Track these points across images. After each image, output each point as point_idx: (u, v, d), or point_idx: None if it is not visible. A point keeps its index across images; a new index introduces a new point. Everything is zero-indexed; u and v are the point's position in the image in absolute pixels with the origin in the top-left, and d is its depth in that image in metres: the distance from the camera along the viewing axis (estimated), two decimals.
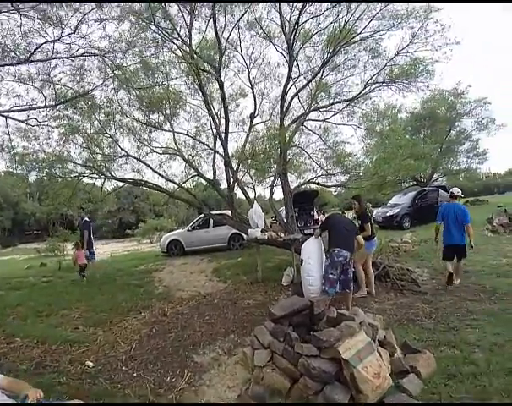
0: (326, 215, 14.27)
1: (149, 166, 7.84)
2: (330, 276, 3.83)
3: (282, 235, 6.31)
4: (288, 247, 6.16)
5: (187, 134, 8.45)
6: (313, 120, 8.85)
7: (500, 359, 2.52)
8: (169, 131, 8.29)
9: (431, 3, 6.43)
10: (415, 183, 20.10)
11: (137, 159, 7.85)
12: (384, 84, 7.93)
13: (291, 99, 8.07)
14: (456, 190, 5.27)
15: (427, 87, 7.44)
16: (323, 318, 2.95)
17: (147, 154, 8.30)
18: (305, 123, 8.90)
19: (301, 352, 2.50)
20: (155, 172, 7.84)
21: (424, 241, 8.30)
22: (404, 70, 7.40)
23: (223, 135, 7.46)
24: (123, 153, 7.81)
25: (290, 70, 7.10)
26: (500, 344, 2.74)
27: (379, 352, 2.60)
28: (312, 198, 10.91)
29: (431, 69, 7.32)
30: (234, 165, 7.48)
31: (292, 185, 7.87)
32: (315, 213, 11.05)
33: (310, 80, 8.04)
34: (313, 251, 4.24)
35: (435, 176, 21.16)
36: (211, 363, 3.24)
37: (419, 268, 6.12)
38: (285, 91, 7.27)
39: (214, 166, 8.22)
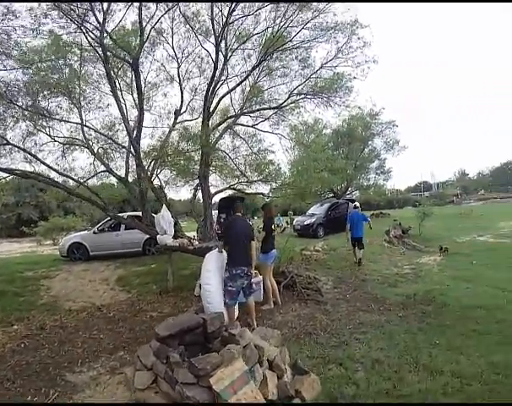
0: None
1: (35, 156, 6.52)
2: (230, 288, 3.76)
3: (196, 243, 5.90)
4: (202, 255, 5.78)
5: (86, 125, 7.37)
6: (241, 125, 8.76)
7: (378, 378, 2.61)
8: (76, 123, 7.16)
9: (358, 19, 6.86)
10: (332, 194, 22.09)
11: (19, 148, 6.46)
12: (309, 95, 8.27)
13: (220, 100, 7.80)
14: (357, 204, 8.42)
15: (344, 103, 7.96)
16: (218, 336, 2.74)
17: (44, 144, 7.05)
18: (234, 127, 8.78)
19: (177, 378, 2.23)
20: (44, 164, 6.57)
21: (333, 250, 8.94)
22: (327, 84, 7.84)
23: (135, 130, 6.72)
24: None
25: (215, 68, 6.77)
26: (381, 361, 2.87)
27: (266, 376, 2.47)
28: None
29: (350, 86, 7.91)
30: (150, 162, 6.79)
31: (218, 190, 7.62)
32: None
33: (240, 83, 7.90)
34: (212, 265, 3.95)
35: (350, 189, 23.65)
36: (88, 382, 2.92)
37: (325, 277, 6.45)
38: (208, 91, 6.91)
39: (127, 162, 7.39)
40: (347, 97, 7.88)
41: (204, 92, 7.16)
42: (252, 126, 8.54)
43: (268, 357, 2.73)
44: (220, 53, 6.97)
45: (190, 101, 8.64)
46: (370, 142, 22.42)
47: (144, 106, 7.51)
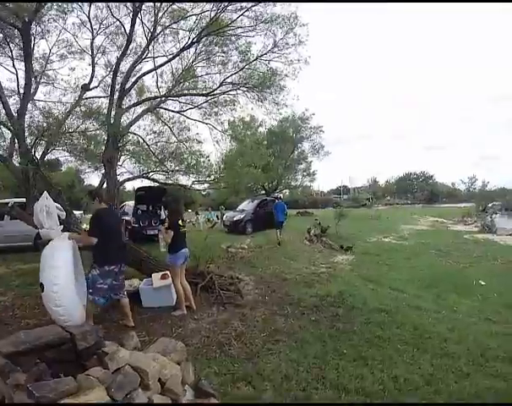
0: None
1: None
2: (100, 285, 3.45)
3: None
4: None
5: None
6: (166, 109, 7.88)
7: (285, 398, 2.42)
8: None
9: (298, 13, 6.67)
10: (264, 192, 22.60)
11: None
12: (242, 88, 7.91)
13: (138, 78, 6.83)
14: (279, 196, 11.41)
15: (275, 101, 7.82)
16: (95, 353, 2.22)
17: None
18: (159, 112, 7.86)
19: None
20: None
21: (259, 247, 8.91)
22: (260, 78, 7.57)
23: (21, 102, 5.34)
24: None
25: (128, 42, 5.81)
26: (290, 377, 2.71)
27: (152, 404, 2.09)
28: (159, 195, 9.76)
29: (282, 85, 7.80)
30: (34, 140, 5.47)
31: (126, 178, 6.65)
32: (162, 212, 9.99)
33: (164, 63, 7.05)
34: (61, 259, 3.28)
35: (280, 188, 24.58)
36: None
37: (248, 276, 6.26)
38: (119, 64, 5.94)
39: (12, 140, 5.87)
40: (278, 95, 7.77)
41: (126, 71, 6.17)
42: (178, 112, 7.77)
43: (161, 377, 2.31)
44: (144, 28, 6.07)
45: (104, 77, 7.41)
46: (299, 145, 23.62)
47: (44, 79, 6.34)
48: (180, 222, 4.38)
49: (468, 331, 3.48)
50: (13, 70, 6.34)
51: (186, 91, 7.91)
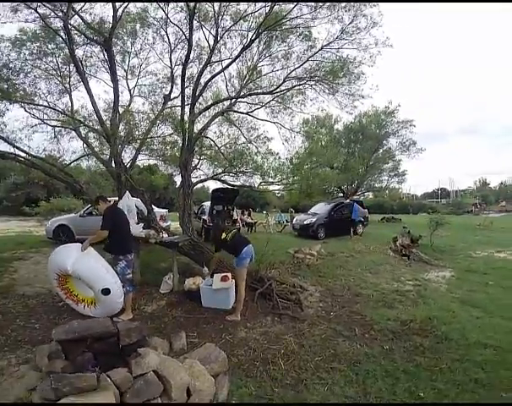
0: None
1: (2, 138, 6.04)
2: (128, 276, 3.87)
3: (165, 236, 5.25)
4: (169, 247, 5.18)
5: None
6: (235, 111, 7.98)
7: None
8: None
9: None
10: (342, 194, 20.99)
11: None
12: (310, 81, 7.37)
13: (208, 81, 7.07)
14: (356, 198, 13.78)
15: (350, 91, 7.00)
16: (136, 350, 2.24)
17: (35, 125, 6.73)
18: (229, 115, 8.02)
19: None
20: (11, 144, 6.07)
21: (331, 255, 8.08)
22: (328, 68, 6.90)
23: (112, 112, 6.16)
24: None
25: (190, 46, 6.00)
26: None
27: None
28: (232, 196, 10.04)
29: (357, 72, 6.94)
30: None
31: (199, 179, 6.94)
32: (235, 213, 10.23)
33: (229, 64, 7.11)
34: (98, 262, 3.75)
35: (361, 190, 22.44)
36: None
37: (314, 286, 5.65)
38: (184, 71, 6.22)
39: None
40: (352, 85, 6.91)
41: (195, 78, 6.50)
42: (247, 113, 7.75)
43: (191, 388, 2.19)
44: (211, 35, 6.27)
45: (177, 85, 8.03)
46: (385, 142, 21.06)
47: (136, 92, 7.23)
48: (223, 234, 4.20)
49: None
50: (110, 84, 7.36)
51: (252, 91, 7.87)
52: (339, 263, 7.33)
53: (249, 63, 7.73)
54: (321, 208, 13.00)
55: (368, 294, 5.20)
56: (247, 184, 7.09)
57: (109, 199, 8.85)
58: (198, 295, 4.41)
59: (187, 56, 6.06)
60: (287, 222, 14.57)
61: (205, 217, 10.02)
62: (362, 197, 23.49)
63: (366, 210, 14.53)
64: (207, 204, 10.44)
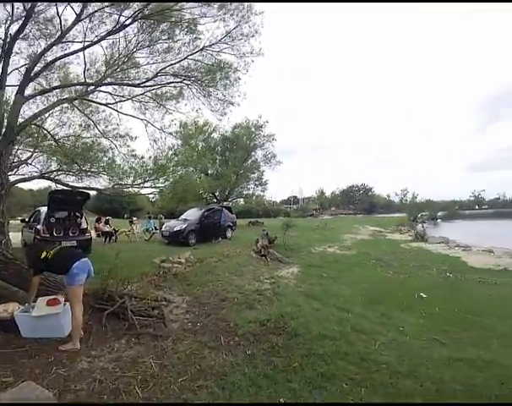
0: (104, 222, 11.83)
1: None
2: None
3: None
4: None
5: None
6: (89, 100, 6.67)
7: None
8: None
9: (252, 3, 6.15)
10: (216, 200, 21.67)
11: None
12: (186, 80, 7.12)
13: (53, 61, 5.65)
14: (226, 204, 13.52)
15: (225, 97, 7.19)
16: None
17: None
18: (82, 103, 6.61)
19: None
20: None
21: (200, 261, 8.02)
22: (209, 70, 6.86)
23: None
24: None
25: (27, 17, 4.70)
26: None
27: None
28: (79, 200, 8.10)
29: (233, 78, 7.19)
30: None
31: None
32: (83, 221, 8.36)
33: (88, 46, 5.94)
34: None
35: (232, 197, 23.88)
36: None
37: (181, 296, 5.37)
38: (46, 50, 4.81)
39: None
40: (229, 90, 7.18)
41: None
42: (105, 104, 6.65)
43: None
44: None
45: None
46: (253, 153, 23.32)
47: None
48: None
49: (418, 360, 3.11)
50: None
51: (118, 81, 6.86)
52: (208, 269, 7.34)
53: (122, 51, 6.71)
54: (192, 214, 12.81)
55: (233, 298, 5.37)
56: (100, 187, 6.00)
57: None
58: (14, 325, 3.40)
59: (21, 27, 4.59)
60: (156, 229, 13.51)
61: (39, 227, 7.76)
62: (234, 203, 25.00)
63: (234, 215, 15.41)
64: (45, 209, 8.11)
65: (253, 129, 21.98)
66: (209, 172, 22.29)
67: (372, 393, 2.58)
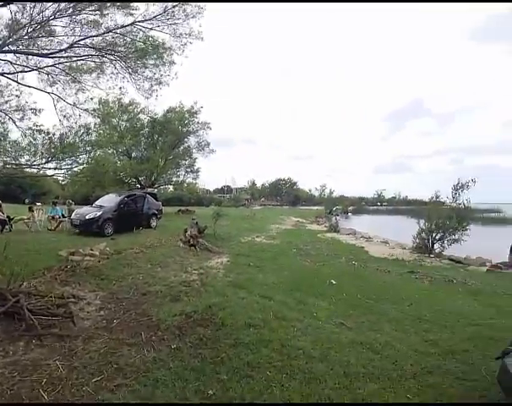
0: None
1: None
2: None
3: None
4: None
5: None
6: None
7: None
8: None
9: None
10: (140, 186, 20.07)
11: None
12: (111, 55, 6.29)
13: None
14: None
15: (155, 75, 6.61)
16: None
17: None
18: None
19: None
20: None
21: (118, 253, 7.33)
22: (141, 48, 6.18)
23: None
24: None
25: None
26: None
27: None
28: None
29: (167, 59, 6.63)
30: None
31: None
32: None
33: None
34: None
35: (159, 183, 22.49)
36: None
37: (93, 293, 4.83)
38: None
39: None
40: (160, 69, 6.61)
41: None
42: (1, 74, 5.41)
43: None
44: None
45: None
46: (186, 139, 22.35)
47: None
48: None
49: (329, 344, 3.45)
50: None
51: (20, 49, 5.62)
52: (127, 261, 6.76)
53: (36, 17, 5.44)
54: (110, 200, 11.53)
55: (157, 291, 5.11)
56: None
57: None
58: None
59: None
60: (64, 216, 11.66)
61: None
62: (163, 190, 23.58)
63: (160, 203, 14.61)
64: None
65: (186, 115, 20.99)
66: (134, 154, 20.42)
67: (291, 379, 2.78)
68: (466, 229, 11.14)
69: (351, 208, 47.87)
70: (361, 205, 59.01)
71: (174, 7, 5.83)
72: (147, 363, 2.95)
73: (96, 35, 6.08)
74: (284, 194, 75.55)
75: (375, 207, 65.61)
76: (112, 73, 6.46)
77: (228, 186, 70.08)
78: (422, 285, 6.81)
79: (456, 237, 11.18)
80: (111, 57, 6.44)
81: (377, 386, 2.74)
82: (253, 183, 78.82)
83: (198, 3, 5.88)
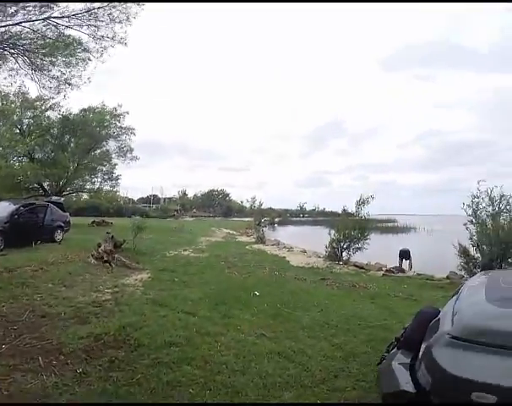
0: None
1: None
2: None
3: None
4: None
5: None
6: None
7: None
8: None
9: None
10: (44, 193, 17.29)
11: None
12: (12, 49, 5.44)
13: None
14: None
15: (64, 75, 5.94)
16: None
17: None
18: None
19: None
20: None
21: (10, 270, 6.18)
22: (51, 44, 5.50)
23: None
24: None
25: None
26: None
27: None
28: None
29: (80, 57, 6.02)
30: None
31: None
32: None
33: None
34: None
35: (69, 190, 19.81)
36: None
37: None
38: None
39: None
40: (71, 69, 5.99)
41: None
42: None
43: None
44: None
45: None
46: (104, 143, 20.34)
47: None
48: None
49: (250, 356, 3.50)
50: None
51: None
52: (21, 280, 5.80)
53: None
54: (0, 210, 9.85)
55: (59, 312, 4.50)
56: None
57: None
58: None
59: None
60: None
61: None
62: (75, 198, 20.75)
63: (67, 213, 12.93)
64: None
65: (107, 117, 19.18)
66: (38, 156, 17.54)
67: (216, 395, 2.76)
68: (367, 238, 12.99)
69: (277, 219, 50.46)
70: (286, 217, 62.81)
71: (99, 8, 5.45)
72: (47, 388, 2.62)
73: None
74: (217, 205, 74.99)
75: (298, 219, 70.67)
76: (13, 69, 5.60)
77: (155, 195, 65.95)
78: (331, 291, 7.41)
79: (359, 245, 12.88)
80: (13, 51, 5.62)
81: (292, 395, 2.85)
82: (184, 194, 76.15)
83: (126, 10, 5.64)
